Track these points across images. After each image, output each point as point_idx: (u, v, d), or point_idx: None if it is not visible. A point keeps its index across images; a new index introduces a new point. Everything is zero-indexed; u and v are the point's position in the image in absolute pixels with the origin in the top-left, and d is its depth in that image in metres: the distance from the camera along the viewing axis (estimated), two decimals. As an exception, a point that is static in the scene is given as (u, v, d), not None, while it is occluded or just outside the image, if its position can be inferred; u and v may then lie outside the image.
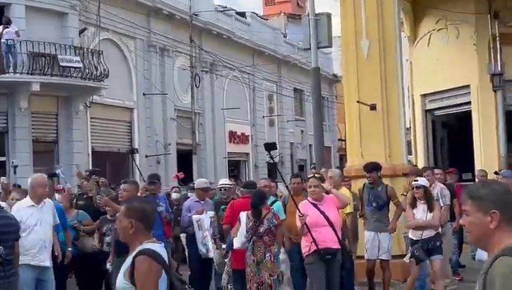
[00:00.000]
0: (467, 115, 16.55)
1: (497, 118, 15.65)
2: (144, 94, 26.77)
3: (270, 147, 8.89)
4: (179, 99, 29.16)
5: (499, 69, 15.43)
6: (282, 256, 9.11)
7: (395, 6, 12.54)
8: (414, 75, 18.91)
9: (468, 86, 16.27)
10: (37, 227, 7.87)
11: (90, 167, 19.50)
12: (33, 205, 7.96)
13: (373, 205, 9.88)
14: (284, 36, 40.87)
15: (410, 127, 19.00)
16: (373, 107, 12.22)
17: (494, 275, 2.76)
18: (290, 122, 39.92)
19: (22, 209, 7.90)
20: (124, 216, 4.14)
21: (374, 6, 12.26)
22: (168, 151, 27.31)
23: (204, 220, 9.99)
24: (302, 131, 41.36)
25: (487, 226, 2.94)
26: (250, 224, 8.35)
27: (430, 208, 9.19)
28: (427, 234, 9.15)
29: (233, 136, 34.12)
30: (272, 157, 8.67)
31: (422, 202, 9.22)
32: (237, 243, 8.37)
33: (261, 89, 36.79)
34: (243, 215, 8.43)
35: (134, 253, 4.04)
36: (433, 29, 17.31)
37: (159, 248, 4.12)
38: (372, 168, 10.19)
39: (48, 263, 7.90)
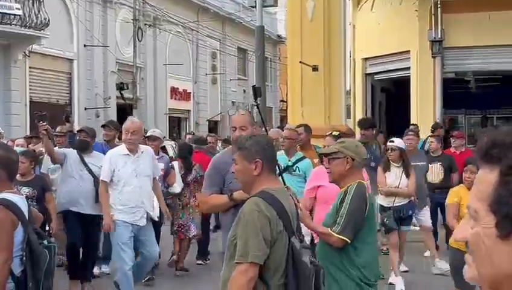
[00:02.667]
0: (406, 80, 16.86)
1: (435, 84, 15.98)
2: (84, 45, 26.25)
3: (257, 91, 8.33)
4: (121, 52, 28.73)
5: (439, 36, 15.72)
6: None
7: (341, -31, 12.64)
8: (356, 39, 19.10)
9: (408, 52, 16.52)
10: (132, 179, 7.03)
11: (28, 117, 18.99)
12: (128, 154, 7.05)
13: (371, 165, 8.56)
14: (230, -7, 40.53)
15: (350, 90, 19.28)
16: (315, 69, 12.41)
17: (244, 212, 3.30)
18: (233, 81, 39.85)
19: (114, 158, 7.10)
20: None
21: (320, -33, 12.33)
22: (108, 104, 26.99)
23: None
24: (244, 90, 41.34)
25: (252, 173, 3.46)
26: (182, 173, 9.14)
27: (407, 173, 8.31)
28: (399, 201, 8.33)
29: (174, 92, 33.88)
30: (256, 101, 7.96)
31: (396, 165, 8.36)
32: (179, 188, 9.02)
33: (205, 46, 36.52)
34: (176, 164, 9.24)
35: None
36: (377, -6, 17.48)
37: (17, 198, 3.97)
38: (369, 125, 9.37)
39: (143, 222, 7.10)
